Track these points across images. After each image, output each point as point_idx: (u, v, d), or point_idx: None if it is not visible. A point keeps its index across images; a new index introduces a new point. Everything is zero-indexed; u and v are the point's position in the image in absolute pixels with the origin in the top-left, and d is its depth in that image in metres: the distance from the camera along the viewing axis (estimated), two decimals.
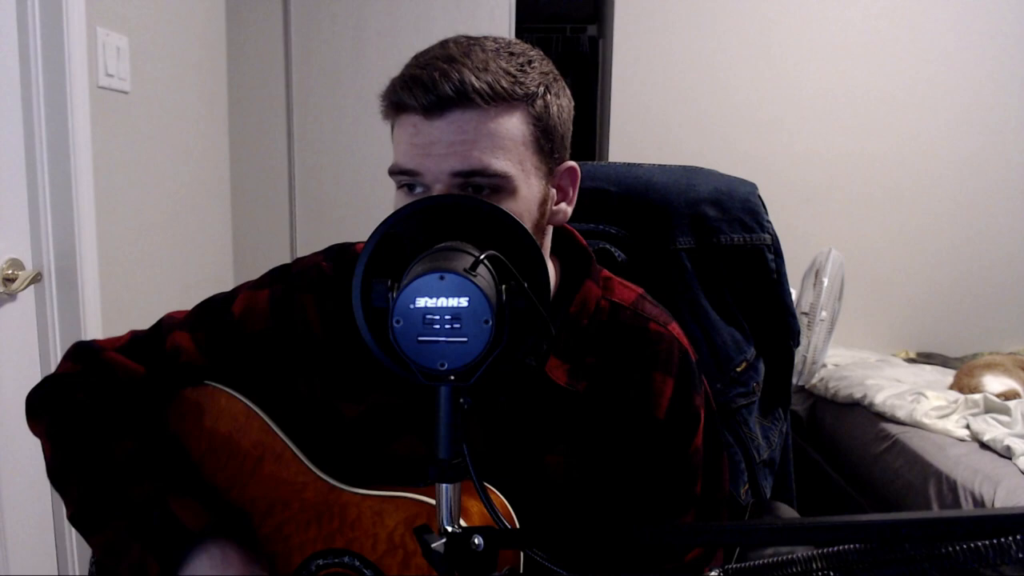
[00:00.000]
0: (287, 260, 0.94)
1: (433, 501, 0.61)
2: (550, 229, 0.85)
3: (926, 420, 2.15)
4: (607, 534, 0.60)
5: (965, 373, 2.43)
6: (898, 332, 3.03)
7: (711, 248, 1.12)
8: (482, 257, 0.56)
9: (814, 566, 0.51)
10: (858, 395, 2.41)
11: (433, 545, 0.59)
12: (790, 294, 1.19)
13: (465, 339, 0.54)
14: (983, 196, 2.95)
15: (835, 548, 0.50)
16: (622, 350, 0.86)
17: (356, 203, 2.58)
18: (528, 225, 0.76)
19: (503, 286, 0.57)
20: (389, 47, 2.53)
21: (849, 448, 2.40)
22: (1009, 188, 2.95)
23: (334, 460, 0.84)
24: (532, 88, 0.76)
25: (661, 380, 0.85)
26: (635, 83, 2.88)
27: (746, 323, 1.16)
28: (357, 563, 0.78)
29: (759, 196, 1.16)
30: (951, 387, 2.42)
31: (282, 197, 2.62)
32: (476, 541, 0.58)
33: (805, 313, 2.14)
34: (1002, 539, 0.45)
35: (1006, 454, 1.92)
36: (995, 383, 2.30)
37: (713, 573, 0.55)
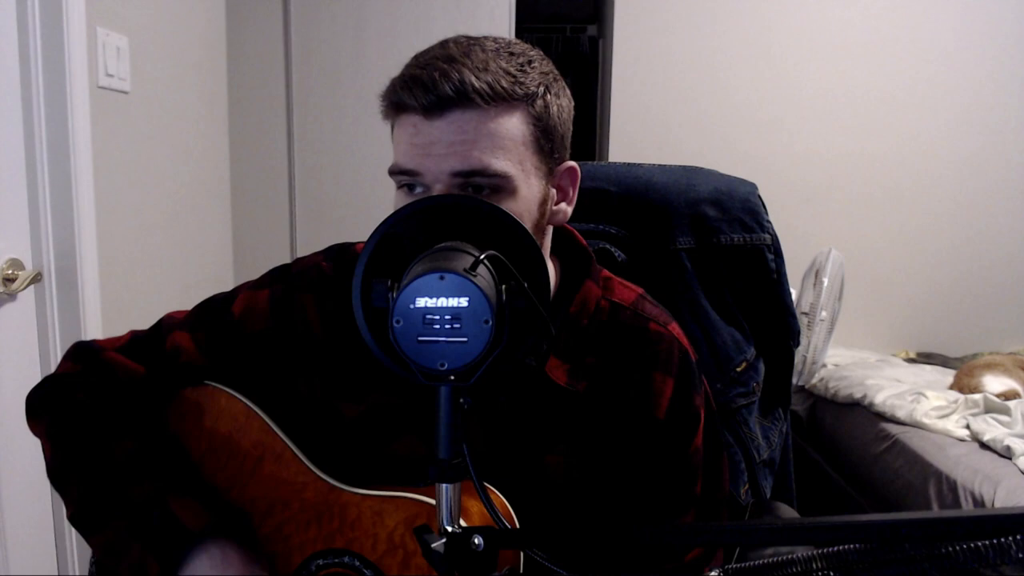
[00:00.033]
0: (287, 260, 0.94)
1: (433, 501, 0.61)
2: (550, 229, 0.85)
3: (926, 420, 2.15)
4: (607, 534, 0.60)
5: (965, 373, 2.43)
6: (898, 332, 3.03)
7: (711, 248, 1.12)
8: (482, 257, 0.56)
9: (814, 566, 0.51)
10: (858, 395, 2.41)
11: (433, 545, 0.59)
12: (790, 294, 1.19)
13: (465, 339, 0.54)
14: (983, 196, 2.95)
15: (835, 548, 0.50)
16: (622, 350, 0.86)
17: (356, 203, 2.58)
18: (528, 225, 0.76)
19: (503, 286, 0.57)
20: (389, 47, 2.53)
21: (849, 448, 2.40)
22: (1009, 188, 2.95)
23: (334, 460, 0.84)
24: (532, 88, 0.76)
25: (661, 380, 0.85)
26: (635, 83, 2.88)
27: (746, 323, 1.16)
28: (357, 563, 0.78)
29: (759, 196, 1.16)
30: (951, 387, 2.42)
31: (282, 197, 2.62)
32: (476, 541, 0.58)
33: (805, 313, 2.14)
34: (1002, 539, 0.45)
35: (1006, 454, 1.92)
36: (995, 383, 2.30)
37: (713, 573, 0.55)
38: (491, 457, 0.79)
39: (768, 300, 1.16)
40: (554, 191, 0.82)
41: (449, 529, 0.59)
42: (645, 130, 2.88)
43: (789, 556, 0.52)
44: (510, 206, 0.74)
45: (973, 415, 2.16)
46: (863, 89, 2.88)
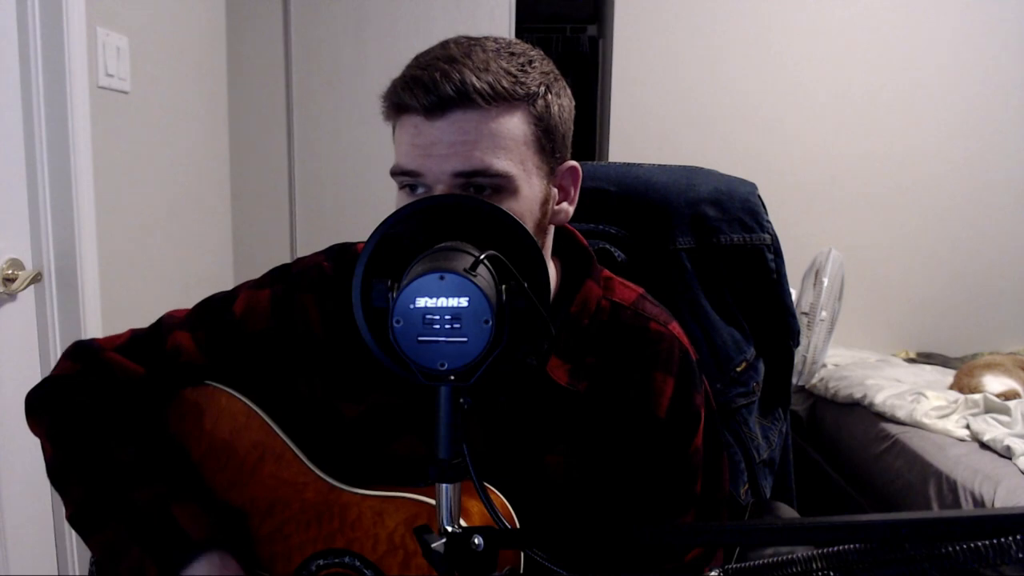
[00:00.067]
0: (287, 260, 0.94)
1: (433, 501, 0.61)
2: (551, 229, 0.85)
3: (926, 420, 2.15)
4: (607, 534, 0.60)
5: (965, 373, 2.43)
6: (898, 332, 3.03)
7: (711, 248, 1.12)
8: (482, 257, 0.56)
9: (814, 566, 0.51)
10: (858, 395, 2.41)
11: (433, 545, 0.59)
12: (790, 294, 1.19)
13: (465, 339, 0.54)
14: (983, 196, 2.95)
15: (835, 548, 0.50)
16: (623, 350, 0.86)
17: (356, 203, 2.58)
18: (530, 225, 0.76)
19: (503, 286, 0.57)
20: (389, 47, 2.53)
21: (849, 448, 2.40)
22: (1009, 188, 2.95)
23: (334, 460, 0.84)
24: (533, 88, 0.76)
25: (662, 379, 0.85)
26: (635, 83, 2.88)
27: (746, 323, 1.16)
28: (357, 563, 0.78)
29: (759, 196, 1.16)
30: (951, 387, 2.42)
31: (282, 197, 2.62)
32: (476, 541, 0.58)
33: (805, 313, 2.14)
34: (1002, 539, 0.45)
35: (1006, 454, 1.92)
36: (995, 383, 2.30)
37: (713, 573, 0.55)
38: (491, 457, 0.79)
39: (768, 300, 1.16)
40: (555, 191, 0.82)
41: (449, 529, 0.59)
42: (645, 130, 2.88)
43: (789, 556, 0.52)
44: (512, 206, 0.74)
45: (973, 415, 2.16)
46: (863, 89, 2.88)
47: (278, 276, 0.90)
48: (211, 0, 2.33)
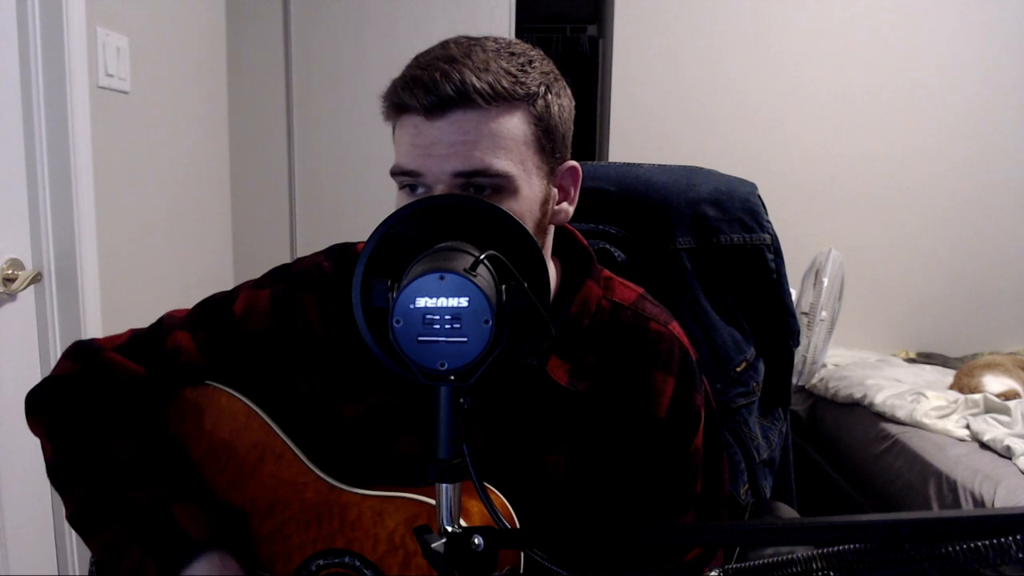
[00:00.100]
0: (287, 260, 0.94)
1: (433, 501, 0.61)
2: (552, 229, 0.85)
3: (926, 420, 2.15)
4: (607, 534, 0.60)
5: (965, 373, 2.43)
6: (898, 332, 3.03)
7: (711, 248, 1.12)
8: (482, 257, 0.56)
9: (814, 566, 0.51)
10: (858, 395, 2.41)
11: (433, 545, 0.59)
12: (790, 294, 1.19)
13: (465, 339, 0.54)
14: (983, 196, 2.95)
15: (835, 548, 0.50)
16: (623, 350, 0.86)
17: (356, 203, 2.58)
18: (530, 225, 0.76)
19: (503, 286, 0.57)
20: (389, 47, 2.53)
21: (849, 448, 2.40)
22: (1009, 188, 2.95)
23: (334, 460, 0.84)
24: (533, 88, 0.76)
25: (662, 379, 0.85)
26: (635, 83, 2.88)
27: (746, 323, 1.16)
28: (357, 563, 0.78)
29: (759, 196, 1.16)
30: (951, 387, 2.42)
31: (282, 197, 2.62)
32: (476, 541, 0.58)
33: (805, 313, 2.14)
34: (1002, 539, 0.45)
35: (1006, 454, 1.92)
36: (995, 383, 2.30)
37: (713, 573, 0.55)
38: (491, 457, 0.79)
39: (768, 300, 1.16)
40: (556, 191, 0.82)
41: (449, 529, 0.59)
42: (645, 130, 2.88)
43: (789, 556, 0.52)
44: (512, 206, 0.74)
45: (973, 415, 2.16)
46: (863, 89, 2.88)
47: (278, 276, 0.90)
48: (211, 0, 2.33)
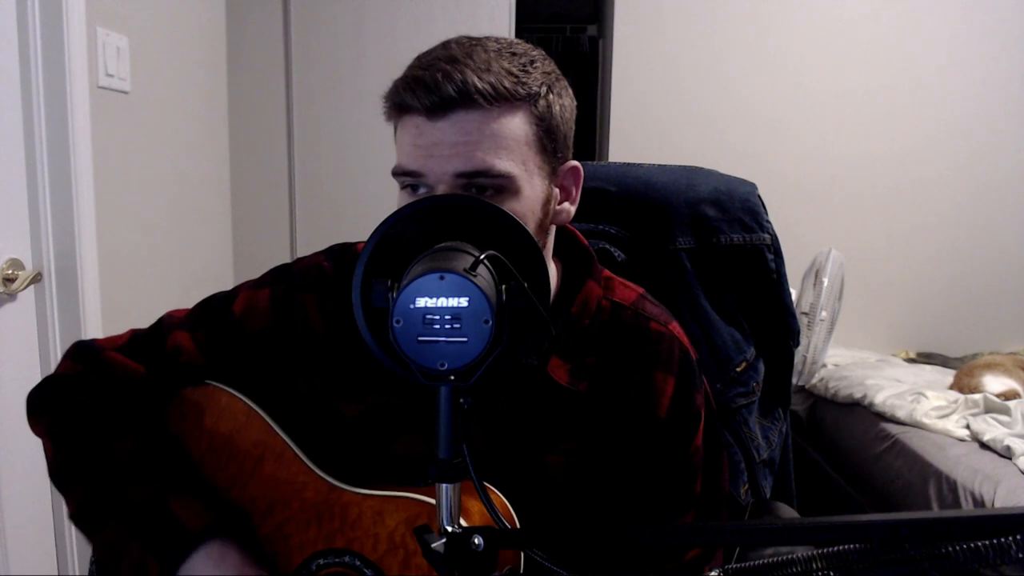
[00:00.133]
0: (287, 260, 0.94)
1: (434, 501, 0.61)
2: (553, 229, 0.85)
3: (926, 420, 2.15)
4: (607, 534, 0.60)
5: (965, 373, 2.43)
6: (898, 332, 3.03)
7: (711, 248, 1.12)
8: (482, 257, 0.56)
9: (814, 566, 0.51)
10: (858, 395, 2.41)
11: (433, 545, 0.59)
12: (790, 294, 1.19)
13: (465, 339, 0.54)
14: (983, 196, 2.95)
15: (835, 548, 0.50)
16: (623, 349, 0.86)
17: (356, 203, 2.58)
18: (531, 225, 0.77)
19: (503, 286, 0.57)
20: (389, 47, 2.53)
21: (849, 448, 2.40)
22: (1009, 188, 2.95)
23: (334, 460, 0.84)
24: (535, 88, 0.76)
25: (662, 379, 0.85)
26: (635, 83, 2.88)
27: (746, 323, 1.16)
28: (358, 563, 0.78)
29: (759, 196, 1.16)
30: (951, 387, 2.42)
31: (282, 197, 2.62)
32: (476, 541, 0.58)
33: (805, 313, 2.14)
34: (1002, 539, 0.45)
35: (1006, 454, 1.92)
36: (995, 383, 2.30)
37: (713, 573, 0.55)
38: (491, 457, 0.79)
39: (768, 300, 1.16)
40: (557, 191, 0.82)
41: (449, 529, 0.59)
42: (645, 130, 2.88)
43: (789, 556, 0.52)
44: (513, 206, 0.74)
45: (973, 415, 2.16)
46: (863, 89, 2.88)
47: (278, 276, 0.90)
48: (211, 0, 2.33)
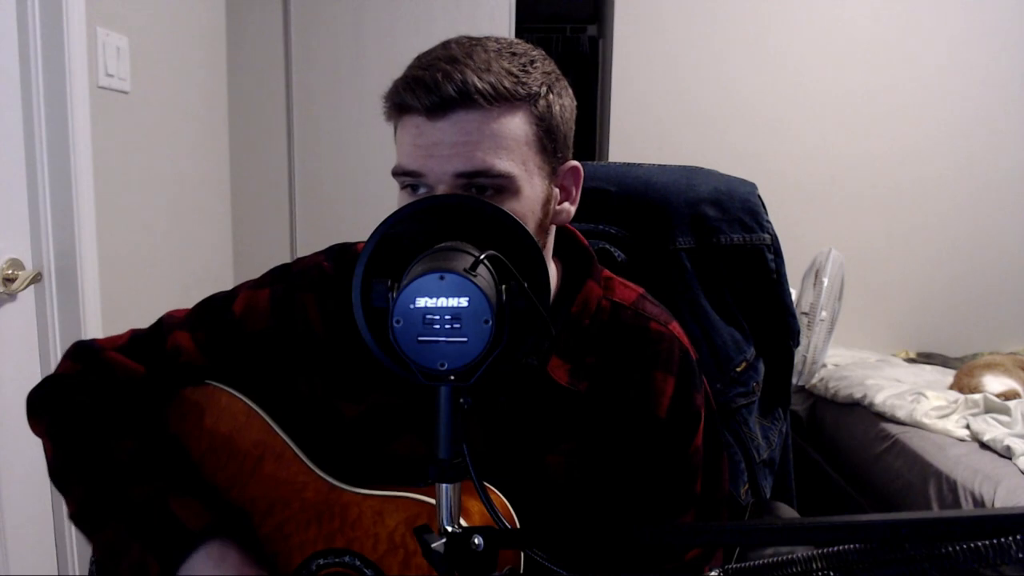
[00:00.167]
0: (287, 260, 0.94)
1: (434, 501, 0.61)
2: (553, 229, 0.85)
3: (926, 420, 2.15)
4: (607, 534, 0.60)
5: (965, 373, 2.43)
6: (898, 332, 3.03)
7: (711, 248, 1.12)
8: (482, 257, 0.56)
9: (814, 566, 0.51)
10: (858, 395, 2.41)
11: (433, 545, 0.59)
12: (790, 294, 1.19)
13: (465, 339, 0.54)
14: (983, 196, 2.95)
15: (835, 548, 0.50)
16: (623, 349, 0.86)
17: (356, 203, 2.58)
18: (531, 225, 0.77)
19: (503, 286, 0.57)
20: (389, 47, 2.53)
21: (849, 448, 2.40)
22: (1009, 188, 2.95)
23: (334, 460, 0.84)
24: (535, 88, 0.76)
25: (662, 379, 0.85)
26: (635, 83, 2.88)
27: (746, 323, 1.16)
28: (358, 563, 0.78)
29: (759, 196, 1.16)
30: (951, 387, 2.42)
31: (282, 197, 2.62)
32: (476, 541, 0.58)
33: (805, 313, 2.14)
34: (1002, 539, 0.45)
35: (1006, 454, 1.92)
36: (995, 383, 2.30)
37: (713, 573, 0.55)
38: (491, 457, 0.79)
39: (768, 300, 1.16)
40: (557, 191, 0.82)
41: (449, 529, 0.59)
42: (645, 130, 2.88)
43: (789, 556, 0.52)
44: (513, 206, 0.74)
45: (973, 415, 2.16)
46: (863, 89, 2.88)
47: (278, 276, 0.90)
48: (211, 0, 2.33)
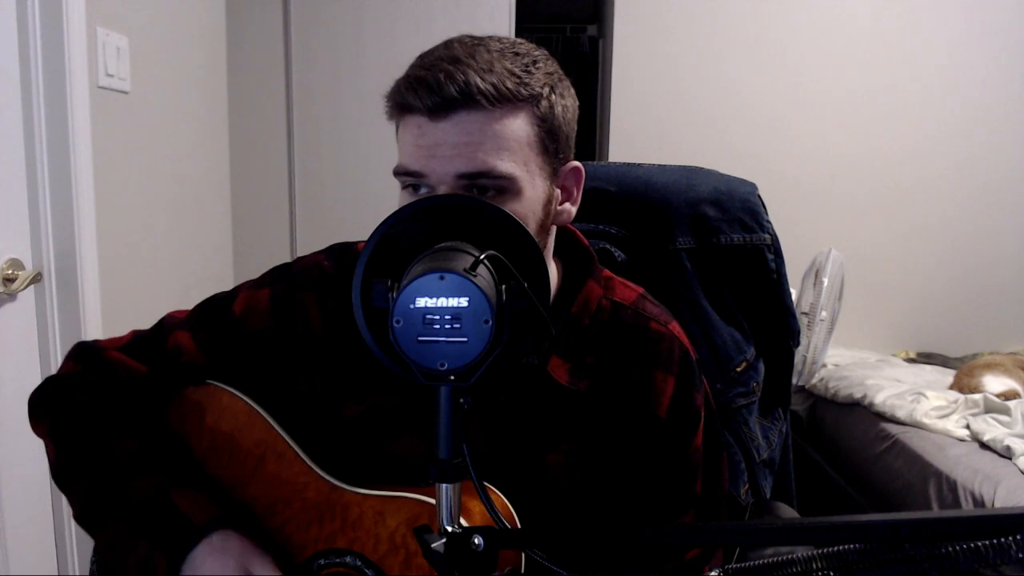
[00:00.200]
0: (287, 260, 0.94)
1: (434, 501, 0.61)
2: (554, 229, 0.85)
3: (926, 420, 2.15)
4: (607, 534, 0.60)
5: (965, 373, 2.43)
6: (898, 332, 3.03)
7: (711, 248, 1.12)
8: (482, 257, 0.56)
9: (814, 566, 0.51)
10: (858, 395, 2.41)
11: (433, 545, 0.59)
12: (790, 294, 1.19)
13: (465, 339, 0.54)
14: (983, 196, 2.95)
15: (835, 548, 0.50)
16: (623, 349, 0.86)
17: (356, 203, 2.58)
18: (532, 226, 0.77)
19: (503, 286, 0.57)
20: (389, 47, 2.53)
21: (849, 448, 2.40)
22: (1009, 188, 2.95)
23: (335, 460, 0.84)
24: (537, 89, 0.76)
25: (662, 379, 0.85)
26: (635, 83, 2.88)
27: (746, 323, 1.16)
28: (359, 563, 0.78)
29: (759, 196, 1.16)
30: (951, 387, 2.42)
31: (282, 197, 2.62)
32: (476, 541, 0.58)
33: (805, 313, 2.14)
34: (1002, 539, 0.45)
35: (1006, 454, 1.92)
36: (995, 383, 2.30)
37: (713, 573, 0.55)
38: (491, 457, 0.79)
39: (768, 300, 1.16)
40: (558, 191, 0.82)
41: (449, 529, 0.59)
42: (645, 130, 2.88)
43: (789, 556, 0.52)
44: (515, 207, 0.74)
45: (973, 415, 2.16)
46: (864, 89, 2.88)
47: (278, 275, 0.90)
48: (211, 0, 2.33)
